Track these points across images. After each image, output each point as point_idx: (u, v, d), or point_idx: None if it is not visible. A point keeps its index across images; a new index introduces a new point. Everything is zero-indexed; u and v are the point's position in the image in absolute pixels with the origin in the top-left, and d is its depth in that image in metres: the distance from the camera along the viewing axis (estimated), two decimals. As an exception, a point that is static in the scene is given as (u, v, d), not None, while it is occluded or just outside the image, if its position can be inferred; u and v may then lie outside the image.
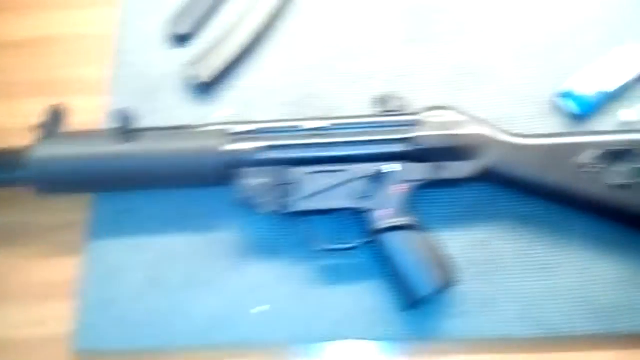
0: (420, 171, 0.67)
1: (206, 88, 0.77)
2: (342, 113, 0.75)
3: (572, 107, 0.73)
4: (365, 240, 0.67)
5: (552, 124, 0.74)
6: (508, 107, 0.75)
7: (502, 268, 0.68)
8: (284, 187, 0.67)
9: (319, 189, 0.67)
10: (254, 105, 0.77)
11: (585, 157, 0.65)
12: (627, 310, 0.66)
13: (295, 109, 0.76)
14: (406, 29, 0.81)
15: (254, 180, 0.66)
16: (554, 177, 0.66)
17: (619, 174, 0.65)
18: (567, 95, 0.73)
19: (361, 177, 0.66)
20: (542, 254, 0.69)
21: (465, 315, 0.67)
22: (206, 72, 0.76)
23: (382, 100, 0.70)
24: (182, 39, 0.81)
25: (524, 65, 0.78)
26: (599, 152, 0.65)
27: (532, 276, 0.68)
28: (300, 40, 0.82)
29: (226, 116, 0.76)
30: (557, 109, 0.75)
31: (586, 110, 0.72)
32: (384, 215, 0.66)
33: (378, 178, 0.66)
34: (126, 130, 0.68)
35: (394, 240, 0.65)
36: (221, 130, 0.68)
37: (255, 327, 0.67)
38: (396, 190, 0.66)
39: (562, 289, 0.67)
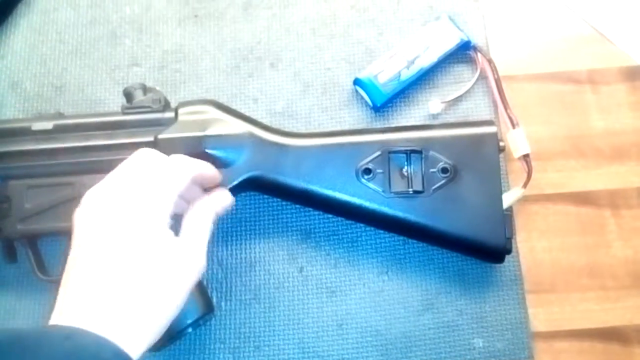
0: (164, 182, 0.54)
1: None
2: (105, 108, 0.62)
3: (366, 97, 0.61)
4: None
5: (355, 117, 0.62)
6: (306, 97, 0.62)
7: (282, 293, 0.57)
8: (-1, 206, 0.54)
9: (41, 207, 0.54)
10: (-12, 101, 0.63)
11: (366, 161, 0.54)
12: (419, 340, 0.55)
13: (43, 104, 0.62)
14: (187, 3, 0.66)
15: (-45, 199, 0.53)
16: (327, 184, 0.53)
17: (407, 180, 0.54)
18: (358, 83, 0.61)
19: (92, 192, 0.54)
20: (327, 274, 0.57)
21: (235, 351, 0.55)
22: None
23: (129, 93, 0.56)
24: None
25: (325, 47, 0.64)
26: (381, 154, 0.54)
27: (315, 302, 0.57)
28: (51, 20, 0.66)
29: (-50, 115, 0.62)
30: (360, 100, 0.63)
31: (378, 101, 0.59)
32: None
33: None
34: None
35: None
36: None
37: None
38: (137, 207, 0.54)
39: (349, 317, 0.56)
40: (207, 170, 0.50)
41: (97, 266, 0.41)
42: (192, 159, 0.48)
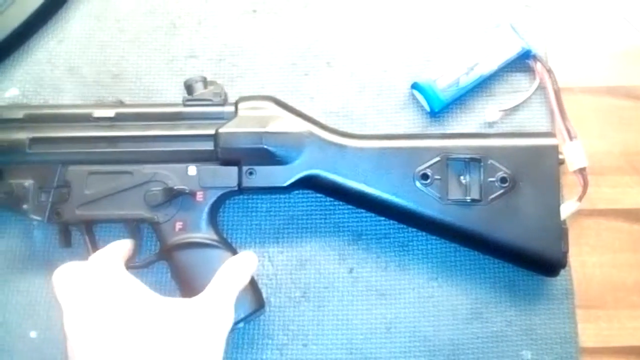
0: (222, 177, 0.54)
1: (-13, 61, 0.62)
2: (161, 98, 0.62)
3: (423, 102, 0.61)
4: (157, 257, 0.55)
5: (410, 121, 0.61)
6: (361, 98, 0.62)
7: (331, 293, 0.57)
8: (58, 191, 0.54)
9: (101, 194, 0.54)
10: (47, 85, 0.62)
11: (424, 166, 0.54)
12: (467, 349, 0.55)
13: (101, 91, 0.62)
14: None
15: (17, 181, 0.54)
16: (385, 187, 0.54)
17: (464, 187, 0.54)
18: (416, 87, 0.60)
19: (151, 181, 0.54)
20: (377, 277, 0.57)
21: (283, 348, 0.56)
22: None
23: (190, 85, 0.56)
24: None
25: (384, 49, 0.64)
26: (440, 160, 0.54)
27: (364, 304, 0.57)
28: (110, 7, 0.66)
29: (11, 97, 0.62)
30: (416, 104, 0.62)
31: (436, 106, 0.59)
32: (178, 229, 0.54)
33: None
34: None
35: (188, 260, 0.53)
36: (-22, 116, 0.54)
37: (33, 354, 0.56)
38: (194, 199, 0.54)
39: (398, 321, 0.56)
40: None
41: None
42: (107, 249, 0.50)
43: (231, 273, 0.49)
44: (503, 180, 0.53)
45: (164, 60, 0.64)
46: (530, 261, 0.54)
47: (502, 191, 0.53)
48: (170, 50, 0.64)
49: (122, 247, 0.51)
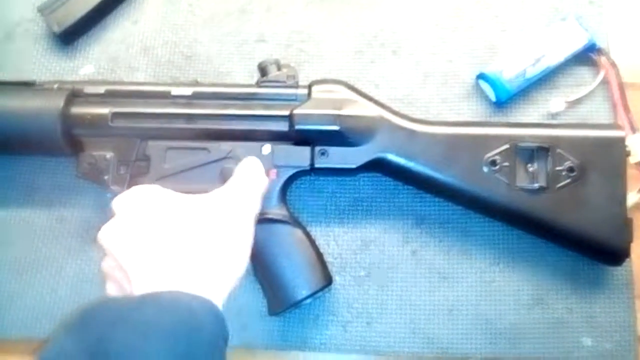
0: (295, 156, 0.56)
1: (67, 39, 0.64)
2: (231, 80, 0.64)
3: (489, 92, 0.62)
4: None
5: (474, 110, 0.63)
6: (426, 86, 0.63)
7: (394, 274, 0.58)
8: (137, 164, 0.56)
9: (178, 168, 0.56)
10: (121, 63, 0.65)
11: (493, 153, 0.55)
12: (528, 333, 0.56)
13: (174, 71, 0.64)
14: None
15: (99, 153, 0.56)
16: (454, 172, 0.55)
17: (531, 175, 0.55)
18: (483, 77, 0.62)
19: (225, 158, 0.55)
20: (440, 260, 0.58)
21: (347, 325, 0.57)
22: (60, 20, 0.63)
23: (264, 67, 0.58)
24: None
25: (448, 39, 0.65)
26: (509, 147, 0.55)
27: (427, 286, 0.58)
28: None
29: (87, 74, 0.64)
30: (481, 94, 0.63)
31: (502, 96, 0.60)
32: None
33: (245, 161, 0.56)
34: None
35: (261, 235, 0.54)
36: (64, 90, 0.56)
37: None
38: (267, 177, 0.56)
39: (460, 303, 0.57)
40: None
41: (158, 240, 0.45)
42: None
43: (251, 167, 0.53)
44: (571, 169, 0.54)
45: (234, 44, 0.66)
46: (594, 250, 0.55)
47: (569, 180, 0.54)
48: (241, 35, 0.66)
49: None
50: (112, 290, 0.47)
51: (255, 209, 0.50)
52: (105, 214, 0.59)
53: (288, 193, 0.59)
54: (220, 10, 0.67)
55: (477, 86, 0.63)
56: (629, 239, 0.54)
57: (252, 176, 0.52)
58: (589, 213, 0.54)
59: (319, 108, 0.55)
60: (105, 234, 0.47)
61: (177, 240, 0.45)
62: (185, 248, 0.45)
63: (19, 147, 0.57)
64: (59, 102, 0.55)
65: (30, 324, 0.58)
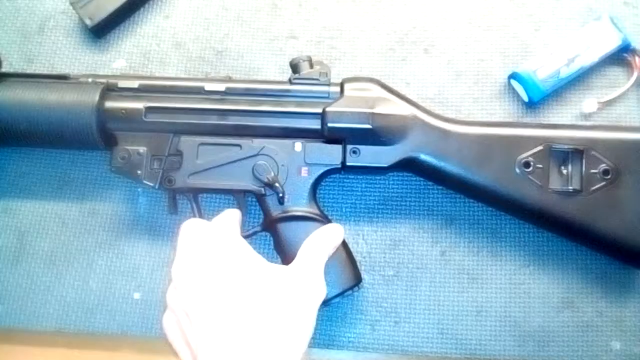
0: (327, 154, 0.56)
1: (99, 32, 0.65)
2: (262, 76, 0.64)
3: (521, 92, 0.61)
4: (262, 228, 0.57)
5: (506, 110, 0.62)
6: (457, 85, 0.63)
7: (423, 274, 0.59)
8: (170, 159, 0.56)
9: (211, 164, 0.56)
10: (153, 58, 0.65)
11: (526, 154, 0.55)
12: (557, 336, 0.56)
13: (205, 66, 0.64)
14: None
15: (133, 147, 0.56)
16: (486, 173, 0.54)
17: (565, 178, 0.55)
18: (515, 77, 0.61)
19: (258, 155, 0.56)
20: (469, 261, 0.58)
21: (375, 324, 0.58)
22: (92, 13, 0.63)
23: (295, 64, 0.58)
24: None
25: (480, 38, 0.64)
26: (542, 149, 0.55)
27: (455, 287, 0.58)
28: None
29: (118, 68, 0.64)
30: (513, 94, 0.63)
31: (535, 97, 0.60)
32: (282, 202, 0.56)
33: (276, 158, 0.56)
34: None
35: (291, 232, 0.55)
36: (98, 85, 0.56)
37: (135, 314, 0.59)
38: (299, 174, 0.56)
39: (489, 305, 0.57)
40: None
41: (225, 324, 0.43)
42: None
43: (318, 244, 0.50)
44: (605, 172, 0.54)
45: (265, 40, 0.65)
46: (627, 253, 0.54)
47: (603, 183, 0.54)
48: (272, 30, 0.66)
49: (237, 215, 0.54)
50: (169, 321, 0.47)
51: (323, 294, 0.48)
52: (138, 209, 0.60)
53: (318, 191, 0.59)
54: (252, 5, 0.66)
55: (509, 86, 0.62)
56: (662, 244, 0.53)
57: (322, 256, 0.50)
58: (623, 216, 0.54)
59: (351, 106, 0.55)
60: (180, 274, 0.47)
61: (253, 316, 0.44)
62: (259, 326, 0.43)
63: (54, 140, 0.57)
64: (94, 96, 0.55)
65: (61, 316, 0.58)
